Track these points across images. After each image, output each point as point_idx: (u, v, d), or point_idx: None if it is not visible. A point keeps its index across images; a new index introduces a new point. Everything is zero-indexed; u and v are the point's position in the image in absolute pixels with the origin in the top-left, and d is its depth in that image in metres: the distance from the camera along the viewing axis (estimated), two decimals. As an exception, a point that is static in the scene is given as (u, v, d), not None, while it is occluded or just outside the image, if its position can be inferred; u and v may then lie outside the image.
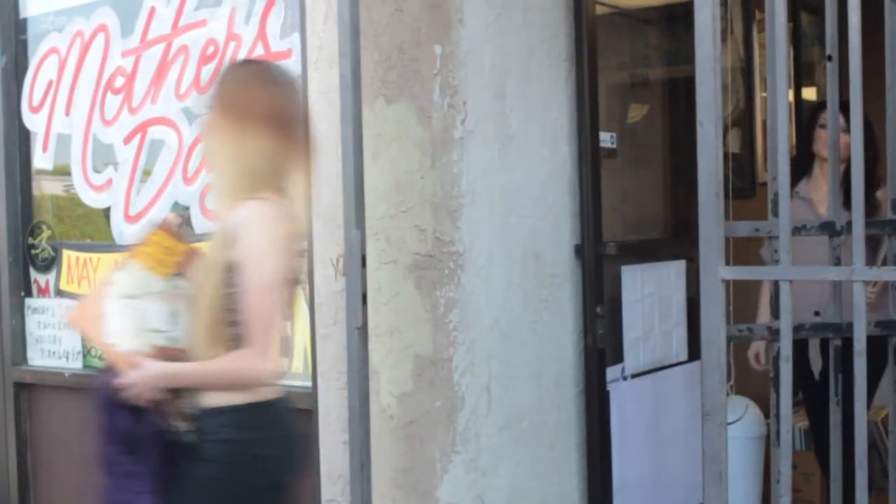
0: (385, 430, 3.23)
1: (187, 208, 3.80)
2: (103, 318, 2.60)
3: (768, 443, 3.45)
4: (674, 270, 4.30)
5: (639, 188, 4.52)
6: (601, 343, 3.86)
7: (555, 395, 3.82)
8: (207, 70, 3.71)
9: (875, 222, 2.87)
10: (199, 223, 3.74)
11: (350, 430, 3.03)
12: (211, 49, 3.72)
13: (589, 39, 3.83)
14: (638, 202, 4.49)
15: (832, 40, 2.81)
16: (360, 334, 3.00)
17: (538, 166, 3.74)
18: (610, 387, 3.91)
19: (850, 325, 2.61)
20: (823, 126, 3.92)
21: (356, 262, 2.99)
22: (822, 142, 4.00)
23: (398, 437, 3.27)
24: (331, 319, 3.26)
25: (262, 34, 3.59)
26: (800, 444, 4.88)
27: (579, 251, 3.86)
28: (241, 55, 3.61)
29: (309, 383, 3.40)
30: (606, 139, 4.01)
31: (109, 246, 4.05)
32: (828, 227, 2.90)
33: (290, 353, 3.55)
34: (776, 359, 2.66)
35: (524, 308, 3.70)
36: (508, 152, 3.64)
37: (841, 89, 2.80)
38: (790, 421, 2.60)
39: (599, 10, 3.96)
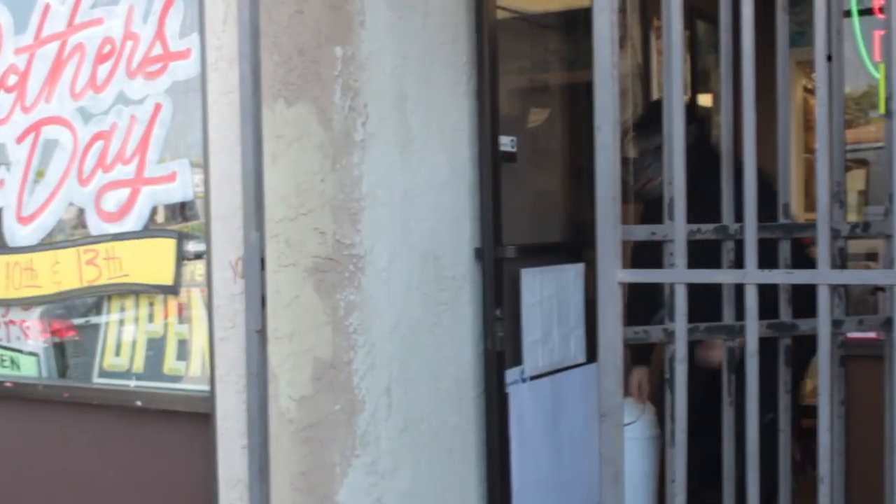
0: (284, 434, 3.21)
1: (82, 210, 3.73)
2: None
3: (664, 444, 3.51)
4: (572, 273, 4.34)
5: (538, 192, 4.55)
6: (500, 345, 3.88)
7: (454, 397, 3.84)
8: (103, 69, 3.65)
9: (768, 226, 2.92)
10: (95, 225, 3.67)
11: (249, 434, 3.01)
12: (107, 48, 3.66)
13: (489, 43, 3.86)
14: (538, 205, 4.53)
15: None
16: (259, 337, 2.98)
17: (438, 169, 3.75)
18: (509, 389, 3.93)
19: (742, 327, 2.67)
20: None
21: (255, 265, 2.97)
22: None
23: (298, 441, 3.25)
24: (229, 322, 3.23)
25: (160, 34, 3.54)
26: (695, 444, 4.96)
27: (479, 254, 3.88)
28: (139, 55, 3.56)
29: (207, 387, 3.36)
30: (506, 143, 4.03)
31: (1, 248, 3.96)
32: (721, 231, 2.95)
33: (187, 357, 3.51)
34: (671, 360, 2.71)
35: (424, 311, 3.71)
36: (409, 155, 3.65)
37: (736, 94, 2.85)
38: (685, 421, 2.65)
39: (500, 14, 3.99)
